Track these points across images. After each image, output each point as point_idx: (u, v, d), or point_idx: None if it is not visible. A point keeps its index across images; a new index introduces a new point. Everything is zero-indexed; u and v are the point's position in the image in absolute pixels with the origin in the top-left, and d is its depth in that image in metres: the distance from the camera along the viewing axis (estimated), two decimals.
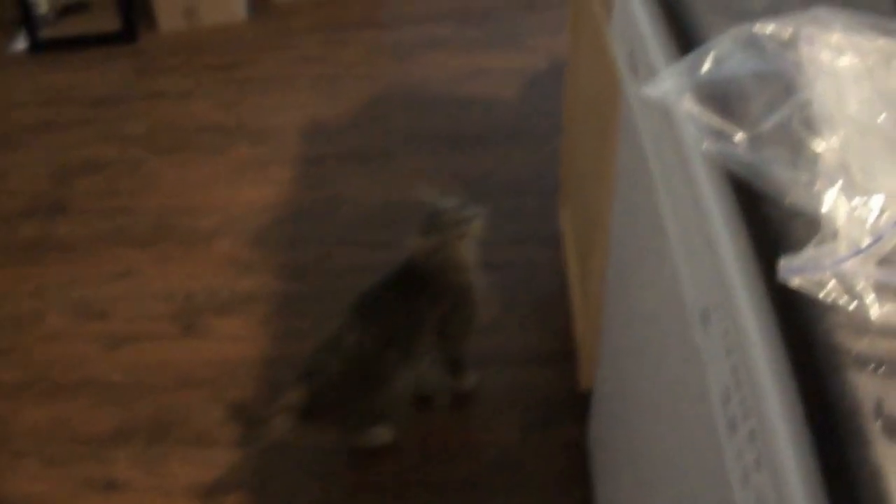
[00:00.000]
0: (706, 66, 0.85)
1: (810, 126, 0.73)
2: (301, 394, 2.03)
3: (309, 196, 3.11)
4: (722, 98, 0.81)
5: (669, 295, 1.06)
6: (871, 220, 0.66)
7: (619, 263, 1.58)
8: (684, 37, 0.96)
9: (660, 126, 1.04)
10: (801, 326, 0.64)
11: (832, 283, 0.63)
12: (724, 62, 0.84)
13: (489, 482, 2.14)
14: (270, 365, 2.46)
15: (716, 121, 0.79)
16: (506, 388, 2.35)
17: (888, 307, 0.62)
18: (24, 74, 4.19)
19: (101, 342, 2.62)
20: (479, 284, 2.14)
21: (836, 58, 0.79)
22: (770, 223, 0.70)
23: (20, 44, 4.37)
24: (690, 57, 0.86)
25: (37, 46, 4.34)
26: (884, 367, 0.59)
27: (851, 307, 0.62)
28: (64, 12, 4.57)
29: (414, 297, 2.06)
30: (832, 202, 0.67)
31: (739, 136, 0.76)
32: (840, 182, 0.68)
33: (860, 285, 0.63)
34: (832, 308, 0.63)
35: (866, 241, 0.65)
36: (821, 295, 0.63)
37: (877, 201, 0.67)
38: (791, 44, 0.82)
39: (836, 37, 0.80)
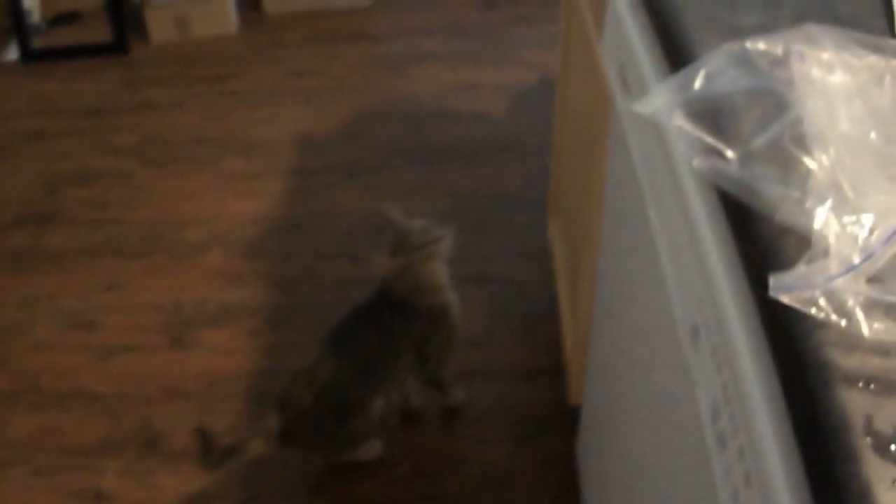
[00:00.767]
0: (697, 83, 0.85)
1: (801, 143, 0.74)
2: (276, 423, 2.02)
3: (299, 209, 3.11)
4: (713, 115, 0.81)
5: (659, 311, 1.06)
6: (861, 237, 0.66)
7: (609, 279, 1.58)
8: (676, 53, 0.96)
9: (650, 142, 1.05)
10: (791, 343, 0.64)
11: (822, 301, 0.64)
12: (715, 79, 0.84)
13: (478, 496, 2.14)
14: (259, 377, 2.45)
15: (707, 137, 0.79)
16: (495, 402, 2.34)
17: (878, 324, 0.62)
18: (16, 84, 4.18)
19: (90, 353, 2.61)
20: (455, 304, 2.13)
21: (827, 75, 0.79)
22: (760, 240, 0.71)
23: (11, 53, 4.36)
24: (682, 73, 0.87)
25: (28, 56, 4.33)
26: (874, 384, 0.59)
27: (842, 324, 0.63)
28: (55, 22, 4.56)
29: (387, 324, 2.05)
30: (823, 219, 0.68)
31: (730, 153, 0.77)
32: (831, 199, 0.68)
33: (850, 303, 0.63)
34: (822, 325, 0.63)
35: (857, 259, 0.65)
36: (811, 312, 0.63)
37: (867, 219, 0.67)
38: (783, 61, 0.83)
39: (827, 54, 0.81)
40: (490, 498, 2.13)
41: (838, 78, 0.79)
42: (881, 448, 0.55)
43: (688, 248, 0.88)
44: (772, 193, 0.71)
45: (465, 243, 2.85)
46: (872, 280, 0.65)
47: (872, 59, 0.81)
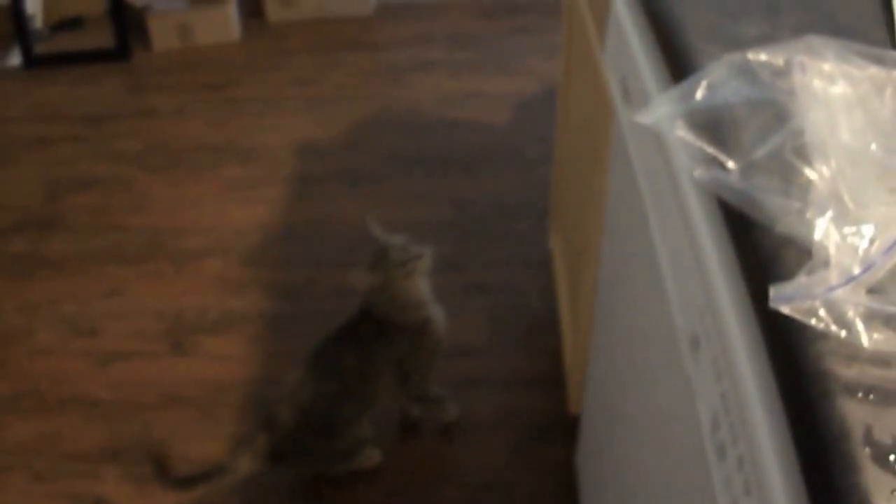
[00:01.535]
0: (699, 94, 0.85)
1: (802, 154, 0.74)
2: (264, 443, 2.04)
3: (299, 217, 3.12)
4: (714, 125, 0.82)
5: (659, 321, 1.06)
6: (862, 248, 0.67)
7: (609, 288, 1.58)
8: (677, 64, 0.97)
9: (652, 153, 1.05)
10: (790, 353, 0.64)
11: (823, 311, 0.64)
12: (717, 89, 0.85)
13: None
14: (259, 385, 2.45)
15: (708, 148, 0.79)
16: (494, 410, 2.34)
17: (878, 335, 0.62)
18: (18, 90, 4.18)
19: (90, 359, 2.61)
20: (438, 319, 2.11)
21: (828, 86, 0.79)
22: (761, 251, 0.71)
23: (14, 59, 4.37)
24: (683, 84, 0.87)
25: (30, 62, 4.34)
26: (873, 395, 0.59)
27: (842, 335, 0.63)
28: (58, 28, 4.57)
29: (366, 344, 2.04)
30: (823, 230, 0.68)
31: (731, 164, 0.77)
32: (831, 210, 0.68)
33: (850, 313, 0.63)
34: (822, 335, 0.63)
35: (857, 270, 0.65)
36: (811, 322, 0.63)
37: (868, 230, 0.67)
38: (784, 72, 0.83)
39: (828, 65, 0.81)
40: None
41: (839, 89, 0.79)
42: (880, 458, 0.55)
43: (688, 257, 0.88)
44: (773, 204, 0.71)
45: (466, 252, 2.87)
46: (872, 291, 0.65)
47: (873, 71, 0.81)
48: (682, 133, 0.82)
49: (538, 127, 3.43)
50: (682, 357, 0.89)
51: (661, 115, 0.85)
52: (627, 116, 1.21)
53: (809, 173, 0.72)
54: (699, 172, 0.79)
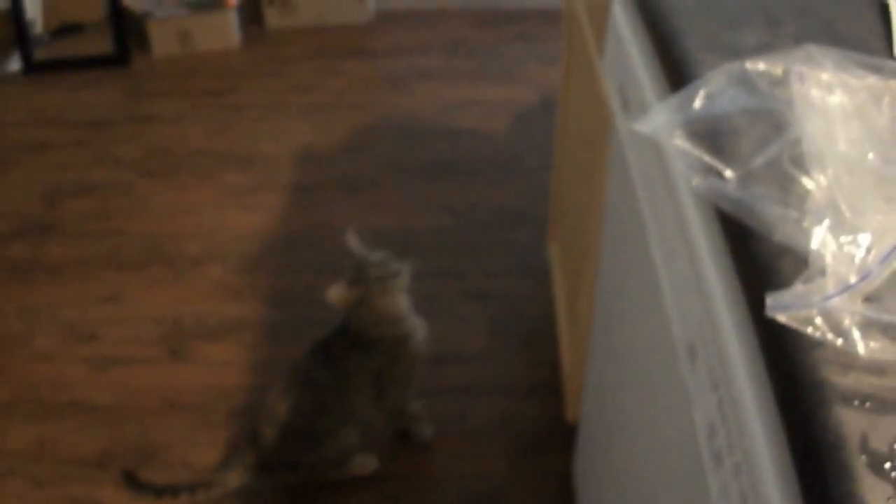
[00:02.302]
0: (697, 103, 0.85)
1: (800, 163, 0.74)
2: (251, 456, 2.07)
3: (298, 224, 3.12)
4: (712, 134, 0.82)
5: (656, 329, 1.06)
6: (858, 257, 0.67)
7: (607, 296, 1.58)
8: (676, 73, 0.97)
9: (650, 161, 1.05)
10: (787, 362, 0.64)
11: (819, 320, 0.64)
12: (715, 98, 0.85)
13: None
14: (256, 392, 2.45)
15: (706, 157, 0.80)
16: (492, 418, 2.34)
17: (874, 343, 0.62)
18: (18, 95, 4.18)
19: (88, 364, 2.61)
20: (416, 334, 2.10)
21: (826, 96, 0.79)
22: (758, 259, 0.71)
23: (14, 64, 4.37)
24: (682, 93, 0.87)
25: (30, 67, 4.33)
26: (869, 403, 0.59)
27: (838, 343, 0.63)
28: (58, 34, 4.57)
29: (344, 358, 2.04)
30: (820, 239, 0.68)
31: (729, 173, 0.77)
32: (828, 219, 0.69)
33: (847, 322, 0.63)
34: (819, 344, 0.63)
35: (854, 278, 0.66)
36: (808, 331, 0.64)
37: (864, 239, 0.67)
38: (782, 81, 0.83)
39: (826, 75, 0.81)
40: None
41: (837, 98, 0.79)
42: (876, 466, 0.56)
43: (686, 266, 0.88)
44: (770, 213, 0.71)
45: (464, 260, 2.87)
46: (869, 299, 0.66)
47: (871, 80, 0.81)
48: (680, 142, 0.82)
49: (537, 135, 3.44)
50: (680, 365, 0.89)
51: (659, 124, 0.85)
52: (626, 125, 1.22)
53: (807, 182, 0.72)
54: (697, 181, 0.79)
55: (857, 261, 0.67)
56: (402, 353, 2.08)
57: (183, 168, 3.49)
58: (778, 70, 0.84)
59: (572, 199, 2.23)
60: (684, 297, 0.90)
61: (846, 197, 0.70)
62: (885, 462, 0.56)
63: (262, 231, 3.09)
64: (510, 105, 3.71)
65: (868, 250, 0.67)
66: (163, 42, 4.37)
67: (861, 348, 0.62)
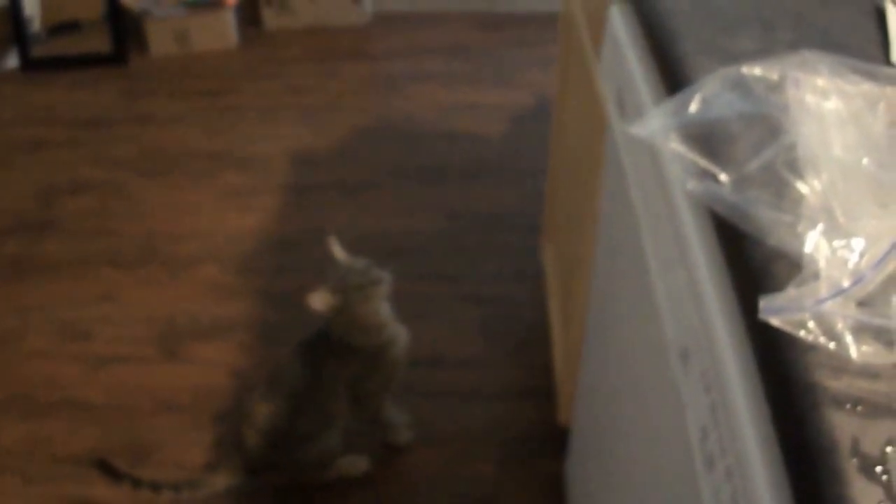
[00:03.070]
0: (693, 107, 0.85)
1: (794, 168, 0.74)
2: (237, 459, 2.10)
3: (294, 225, 3.12)
4: (708, 138, 0.82)
5: (650, 333, 1.06)
6: (852, 261, 0.67)
7: (601, 300, 1.59)
8: (672, 77, 0.97)
9: (645, 165, 1.05)
10: (779, 365, 0.64)
11: (812, 324, 0.64)
12: (711, 103, 0.85)
13: None
14: (250, 393, 2.45)
15: (701, 161, 0.80)
16: (484, 422, 2.34)
17: (866, 348, 0.63)
18: (15, 92, 4.18)
19: (82, 363, 2.61)
20: (397, 342, 2.09)
21: (821, 101, 0.79)
22: (752, 263, 0.71)
23: (11, 61, 4.37)
24: (678, 97, 0.87)
25: (28, 65, 4.34)
26: (861, 407, 0.60)
27: (830, 347, 0.63)
28: (56, 32, 4.57)
29: (323, 363, 2.04)
30: (814, 243, 0.68)
31: (724, 177, 0.77)
32: (822, 224, 0.69)
33: (839, 326, 0.64)
34: (811, 348, 0.63)
35: (847, 283, 0.66)
36: (800, 335, 0.64)
37: (858, 243, 0.68)
38: (778, 86, 0.83)
39: (822, 80, 0.81)
40: None
41: (832, 104, 0.79)
42: (867, 470, 0.56)
43: (679, 270, 0.88)
44: (764, 217, 0.71)
45: (459, 263, 2.87)
46: (862, 304, 0.66)
47: (867, 87, 0.81)
48: (675, 146, 0.82)
49: (534, 139, 3.44)
50: (672, 368, 0.89)
51: (655, 128, 0.86)
52: (622, 128, 1.22)
53: (801, 187, 0.73)
54: (692, 185, 0.79)
55: (850, 265, 0.67)
56: (381, 362, 2.08)
57: (179, 168, 3.49)
58: (774, 75, 0.84)
59: (568, 202, 2.23)
60: (678, 301, 0.90)
61: (840, 202, 0.70)
62: (877, 466, 0.56)
63: (257, 232, 3.09)
64: (508, 109, 3.71)
65: (861, 255, 0.67)
66: (160, 42, 4.37)
67: (853, 352, 0.63)
